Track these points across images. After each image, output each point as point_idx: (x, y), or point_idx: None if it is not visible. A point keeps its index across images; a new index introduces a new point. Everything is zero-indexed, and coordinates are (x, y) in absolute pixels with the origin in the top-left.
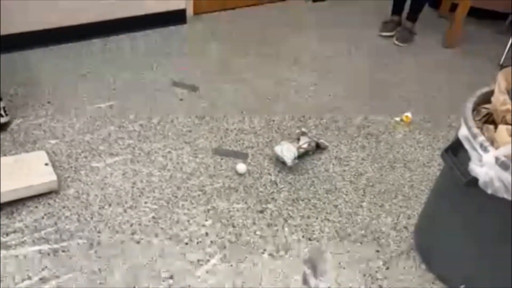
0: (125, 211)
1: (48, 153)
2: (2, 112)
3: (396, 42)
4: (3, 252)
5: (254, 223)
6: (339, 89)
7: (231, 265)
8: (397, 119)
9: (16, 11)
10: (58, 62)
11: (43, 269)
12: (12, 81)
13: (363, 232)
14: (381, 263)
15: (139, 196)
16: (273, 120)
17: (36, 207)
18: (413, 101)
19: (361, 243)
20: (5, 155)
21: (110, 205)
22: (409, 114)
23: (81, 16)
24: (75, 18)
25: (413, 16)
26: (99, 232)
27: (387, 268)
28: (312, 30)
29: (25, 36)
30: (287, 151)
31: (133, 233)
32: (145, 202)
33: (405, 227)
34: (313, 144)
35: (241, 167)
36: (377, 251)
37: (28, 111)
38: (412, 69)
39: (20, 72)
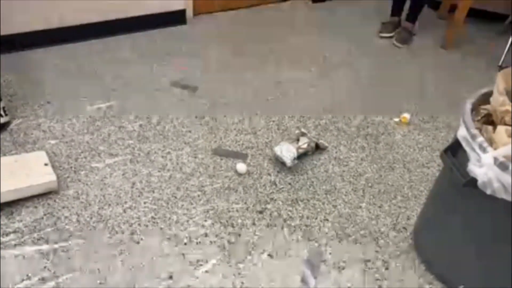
0: (124, 211)
1: (47, 153)
2: (2, 112)
3: (396, 43)
4: (3, 252)
5: (253, 224)
6: (339, 89)
7: (230, 266)
8: (396, 119)
9: (17, 11)
10: (58, 63)
11: (42, 269)
12: (12, 81)
13: (362, 232)
14: (380, 263)
15: (139, 196)
16: (273, 121)
17: (36, 207)
18: (412, 102)
19: (360, 243)
20: (4, 155)
21: (109, 205)
22: (406, 115)
23: (81, 16)
24: (75, 19)
25: (412, 17)
26: (98, 232)
27: (386, 269)
28: (312, 30)
29: (25, 36)
30: (287, 152)
31: (132, 233)
32: (145, 202)
33: (404, 228)
34: (313, 144)
35: (241, 167)
36: (376, 251)
37: (28, 111)
38: (411, 70)
39: (20, 72)
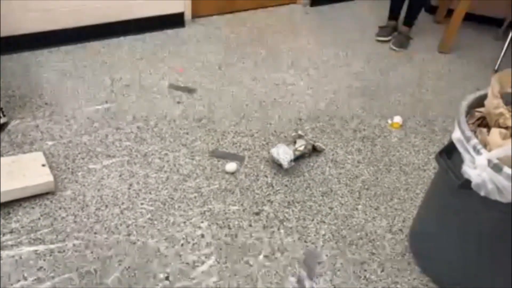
0: (121, 212)
1: (45, 154)
2: (0, 113)
3: (393, 46)
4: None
5: (250, 225)
6: (336, 92)
7: (227, 266)
8: (389, 121)
9: (16, 13)
10: (56, 64)
11: (38, 270)
12: (10, 82)
13: (358, 234)
14: (376, 265)
15: (136, 197)
16: (270, 123)
17: (33, 207)
18: (408, 105)
19: (356, 245)
20: (2, 155)
21: (106, 206)
22: (398, 120)
23: (80, 18)
24: (74, 21)
25: (409, 21)
26: (95, 233)
27: (382, 271)
28: (309, 34)
29: (23, 38)
30: (284, 154)
31: (129, 234)
32: (142, 204)
33: (400, 230)
34: (309, 147)
35: (231, 166)
36: (372, 253)
37: (26, 112)
38: (408, 73)
39: (19, 74)
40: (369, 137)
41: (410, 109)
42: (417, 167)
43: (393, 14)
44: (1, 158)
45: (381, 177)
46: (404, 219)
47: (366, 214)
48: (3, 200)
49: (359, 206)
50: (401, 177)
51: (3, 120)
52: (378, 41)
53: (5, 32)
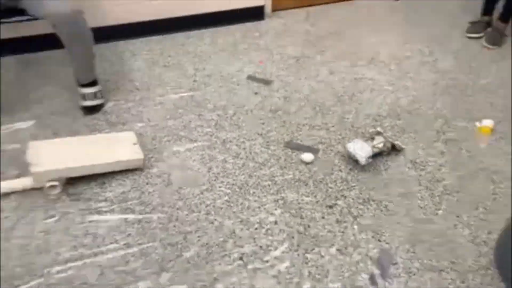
0: (201, 192)
1: (135, 134)
2: (99, 95)
3: (486, 44)
4: (96, 216)
5: (322, 217)
6: (419, 90)
7: (298, 255)
8: (478, 124)
9: (112, 4)
10: (146, 53)
11: (127, 236)
12: (106, 68)
13: (437, 240)
14: (455, 275)
15: (214, 180)
16: (347, 118)
17: (124, 180)
18: (500, 108)
19: (434, 251)
20: (100, 132)
21: (188, 185)
22: (488, 123)
23: (168, 10)
24: (163, 13)
25: (506, 17)
26: (177, 209)
27: (463, 282)
28: (392, 28)
29: (118, 28)
30: (361, 150)
31: (207, 214)
32: (220, 186)
33: (484, 242)
34: (389, 144)
35: (307, 156)
36: (452, 262)
37: (119, 96)
38: (501, 73)
39: (113, 61)
40: (454, 140)
41: (502, 112)
42: (508, 177)
43: (488, 8)
44: (99, 135)
45: (466, 183)
46: (489, 231)
47: (446, 221)
48: (100, 171)
49: (440, 212)
50: (488, 185)
51: (100, 101)
52: (469, 38)
53: (103, 23)
